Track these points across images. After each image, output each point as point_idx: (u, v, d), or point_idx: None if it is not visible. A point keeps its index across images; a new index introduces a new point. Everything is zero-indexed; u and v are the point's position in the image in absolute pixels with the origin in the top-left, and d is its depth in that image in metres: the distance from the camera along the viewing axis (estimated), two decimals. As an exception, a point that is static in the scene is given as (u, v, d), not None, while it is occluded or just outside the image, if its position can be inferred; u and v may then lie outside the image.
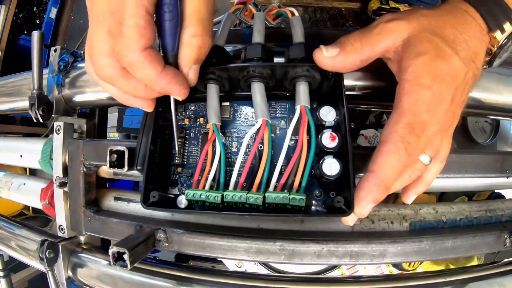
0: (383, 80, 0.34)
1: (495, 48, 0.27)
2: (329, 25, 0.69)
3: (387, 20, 0.26)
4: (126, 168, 0.29)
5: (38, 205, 0.50)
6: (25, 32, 1.42)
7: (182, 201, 0.28)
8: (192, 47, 0.24)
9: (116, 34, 0.22)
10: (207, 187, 0.27)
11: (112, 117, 0.94)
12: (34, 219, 1.28)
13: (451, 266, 0.55)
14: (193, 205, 0.28)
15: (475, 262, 0.49)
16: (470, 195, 0.60)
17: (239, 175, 0.26)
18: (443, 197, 0.60)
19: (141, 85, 0.25)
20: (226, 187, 0.27)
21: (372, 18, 0.66)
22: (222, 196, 0.25)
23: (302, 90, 0.28)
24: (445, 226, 0.33)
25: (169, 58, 0.25)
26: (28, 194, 0.53)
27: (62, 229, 0.46)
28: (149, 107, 0.27)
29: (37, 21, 1.55)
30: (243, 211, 0.25)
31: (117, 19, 0.22)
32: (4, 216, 0.60)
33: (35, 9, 1.54)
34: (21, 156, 0.53)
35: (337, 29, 0.63)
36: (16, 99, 0.54)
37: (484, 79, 0.34)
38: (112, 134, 0.96)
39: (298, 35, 0.31)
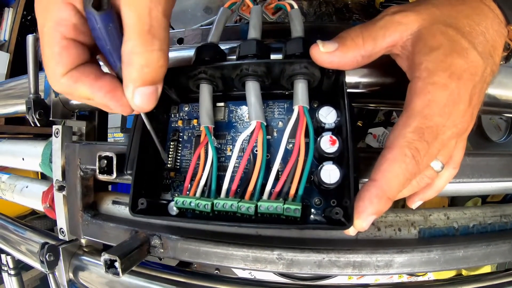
0: (392, 76, 0.31)
1: None
2: (334, 19, 0.66)
3: (392, 12, 0.24)
4: (115, 175, 0.28)
5: (40, 207, 0.50)
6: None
7: (174, 207, 0.26)
8: (131, 66, 0.20)
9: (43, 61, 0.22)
10: (198, 193, 0.25)
11: (116, 117, 0.94)
12: (45, 218, 1.30)
13: (463, 271, 0.52)
14: (184, 212, 0.27)
15: (488, 267, 0.47)
16: (484, 196, 0.57)
17: (231, 181, 0.25)
18: (456, 198, 0.57)
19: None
20: (218, 193, 0.25)
21: (380, 10, 0.63)
22: (212, 204, 0.23)
23: (300, 89, 0.26)
24: (457, 234, 0.31)
25: (118, 76, 0.22)
26: (31, 196, 0.53)
27: (62, 232, 0.45)
28: (124, 112, 0.24)
29: (46, 23, 1.57)
30: (235, 221, 0.23)
31: (41, 47, 0.21)
32: (10, 217, 0.61)
33: (43, 10, 1.55)
34: (23, 159, 0.53)
35: (341, 23, 0.60)
36: (20, 101, 0.54)
37: (499, 74, 0.31)
38: (117, 135, 0.96)
39: (296, 29, 0.29)
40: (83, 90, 0.21)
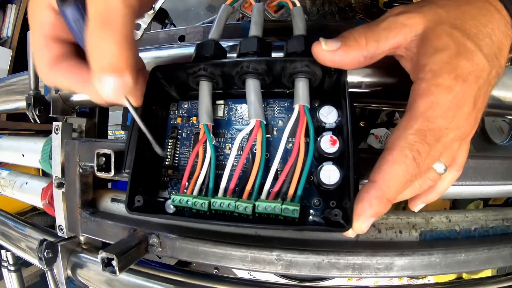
0: (395, 76, 0.31)
1: None
2: (338, 18, 0.66)
3: (397, 13, 0.23)
4: (112, 172, 0.27)
5: (40, 204, 0.50)
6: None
7: (171, 205, 0.26)
8: (90, 55, 0.20)
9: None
10: (195, 192, 0.25)
11: (117, 115, 0.94)
12: (45, 214, 1.30)
13: (464, 274, 0.52)
14: (182, 210, 0.26)
15: (488, 271, 0.46)
16: (485, 199, 0.56)
17: (229, 180, 0.25)
18: (457, 200, 0.56)
19: None
20: (216, 192, 0.25)
21: (383, 10, 0.62)
22: (209, 203, 0.23)
23: (301, 88, 0.26)
24: (458, 237, 0.30)
25: None
26: (30, 193, 0.53)
27: (61, 229, 0.45)
28: (99, 101, 0.25)
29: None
30: (232, 220, 0.23)
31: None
32: (10, 214, 0.61)
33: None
34: (23, 155, 0.53)
35: (344, 22, 0.60)
36: (21, 97, 0.54)
37: (503, 75, 0.30)
38: (118, 132, 0.96)
39: (298, 27, 0.29)
40: (64, 83, 0.24)
